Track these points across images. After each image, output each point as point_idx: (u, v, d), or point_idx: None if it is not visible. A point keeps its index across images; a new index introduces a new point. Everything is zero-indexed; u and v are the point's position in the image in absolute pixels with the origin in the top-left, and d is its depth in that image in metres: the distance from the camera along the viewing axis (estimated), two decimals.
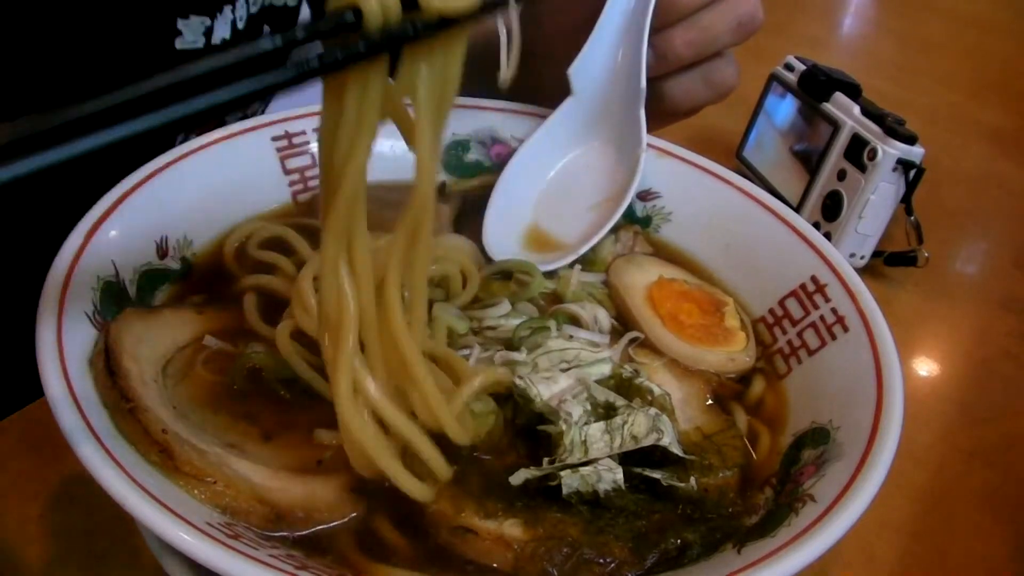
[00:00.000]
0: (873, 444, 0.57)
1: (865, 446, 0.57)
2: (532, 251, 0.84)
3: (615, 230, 0.85)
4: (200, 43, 0.85)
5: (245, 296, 0.72)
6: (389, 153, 0.88)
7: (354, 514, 0.57)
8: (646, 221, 0.88)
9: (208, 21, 0.86)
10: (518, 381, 0.63)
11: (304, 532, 0.55)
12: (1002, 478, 0.84)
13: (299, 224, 0.82)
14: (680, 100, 0.85)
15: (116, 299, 0.65)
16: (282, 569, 0.47)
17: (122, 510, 0.47)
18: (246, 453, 0.58)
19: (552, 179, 0.89)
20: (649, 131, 0.84)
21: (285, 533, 0.55)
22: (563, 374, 0.64)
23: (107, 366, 0.57)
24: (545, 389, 0.62)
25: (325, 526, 0.56)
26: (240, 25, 0.90)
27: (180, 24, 0.85)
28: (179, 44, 0.84)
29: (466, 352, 0.68)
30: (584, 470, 0.58)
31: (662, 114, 0.85)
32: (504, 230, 0.84)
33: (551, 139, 0.88)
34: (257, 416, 0.62)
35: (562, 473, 0.58)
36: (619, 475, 0.58)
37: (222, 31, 0.87)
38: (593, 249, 0.83)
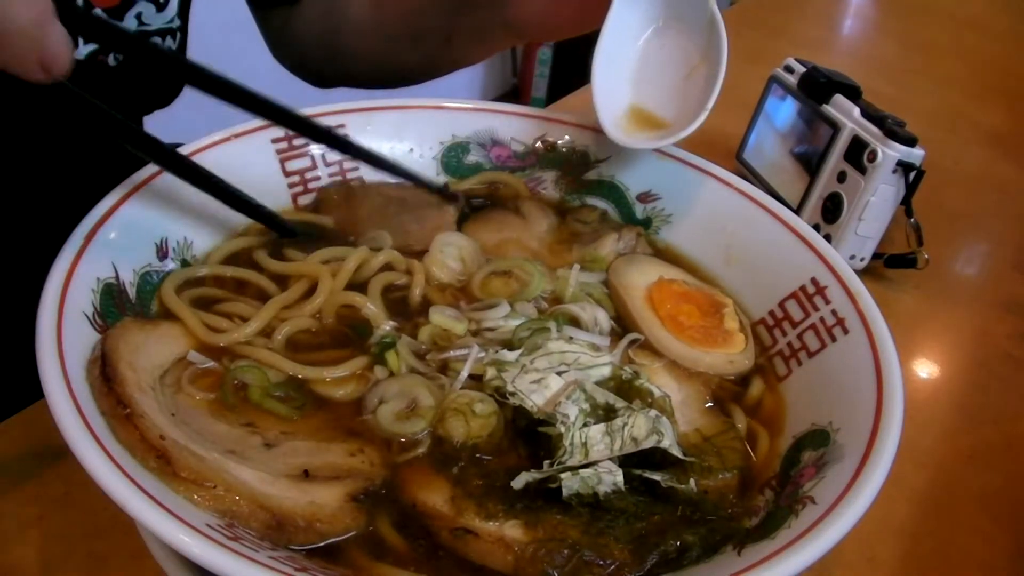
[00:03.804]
0: (873, 446, 0.57)
1: (865, 448, 0.57)
2: (642, 130, 0.85)
3: (618, 229, 0.85)
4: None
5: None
6: (389, 155, 0.88)
7: (355, 531, 0.56)
8: (646, 223, 0.88)
9: None
10: (511, 398, 0.63)
11: (306, 547, 0.54)
12: (1002, 480, 0.84)
13: (300, 222, 0.82)
14: None
15: (116, 300, 0.65)
16: (282, 571, 0.47)
17: (122, 512, 0.47)
18: (247, 459, 0.58)
19: (639, 60, 0.88)
20: None
21: (286, 543, 0.54)
22: (556, 376, 0.64)
23: (103, 372, 0.57)
24: (539, 397, 0.62)
25: (325, 541, 0.55)
26: None
27: None
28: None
29: (464, 352, 0.68)
30: (584, 472, 0.58)
31: None
32: (610, 114, 0.84)
33: (622, 24, 0.85)
34: (257, 425, 0.62)
35: (562, 475, 0.58)
36: (619, 477, 0.58)
37: None
38: (594, 247, 0.83)
